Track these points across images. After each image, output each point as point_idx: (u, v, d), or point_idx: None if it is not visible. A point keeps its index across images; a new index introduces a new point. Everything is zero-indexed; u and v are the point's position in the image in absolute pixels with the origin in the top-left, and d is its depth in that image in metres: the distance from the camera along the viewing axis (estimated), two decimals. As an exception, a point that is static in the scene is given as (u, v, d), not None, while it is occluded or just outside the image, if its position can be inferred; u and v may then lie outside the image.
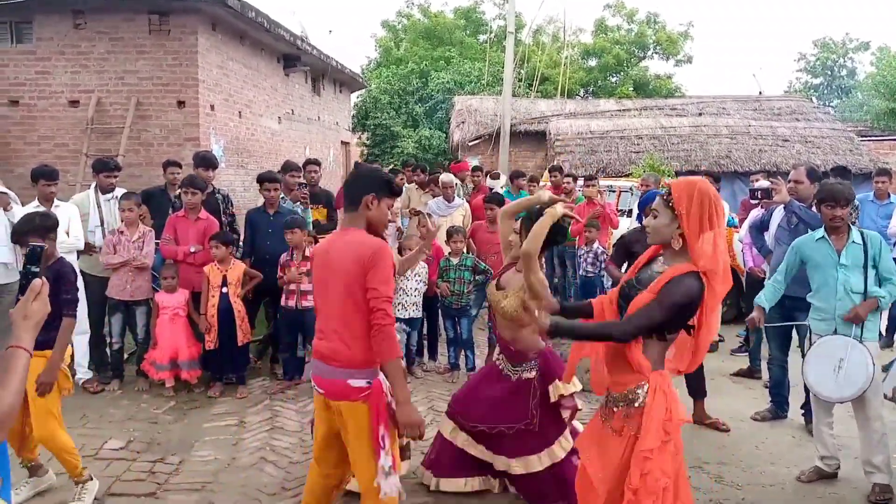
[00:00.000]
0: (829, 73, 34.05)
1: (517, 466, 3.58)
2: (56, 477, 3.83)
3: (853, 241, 3.95)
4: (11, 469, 2.75)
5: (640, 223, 5.06)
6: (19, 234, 3.55)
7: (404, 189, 8.47)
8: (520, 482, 3.66)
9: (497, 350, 3.84)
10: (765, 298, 4.35)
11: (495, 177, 10.21)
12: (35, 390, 3.38)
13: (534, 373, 3.61)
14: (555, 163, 12.20)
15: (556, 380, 3.54)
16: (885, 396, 4.09)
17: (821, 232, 4.07)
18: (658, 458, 2.39)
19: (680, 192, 2.48)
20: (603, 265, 6.51)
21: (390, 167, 7.97)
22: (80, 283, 5.39)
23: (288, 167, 6.62)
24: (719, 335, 7.11)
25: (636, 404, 2.48)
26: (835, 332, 3.93)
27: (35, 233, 3.45)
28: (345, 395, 2.66)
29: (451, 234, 5.90)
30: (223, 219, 6.00)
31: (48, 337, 3.52)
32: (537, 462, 3.53)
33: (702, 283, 2.42)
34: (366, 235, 2.75)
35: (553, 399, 3.54)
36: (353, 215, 2.77)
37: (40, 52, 8.64)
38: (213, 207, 5.92)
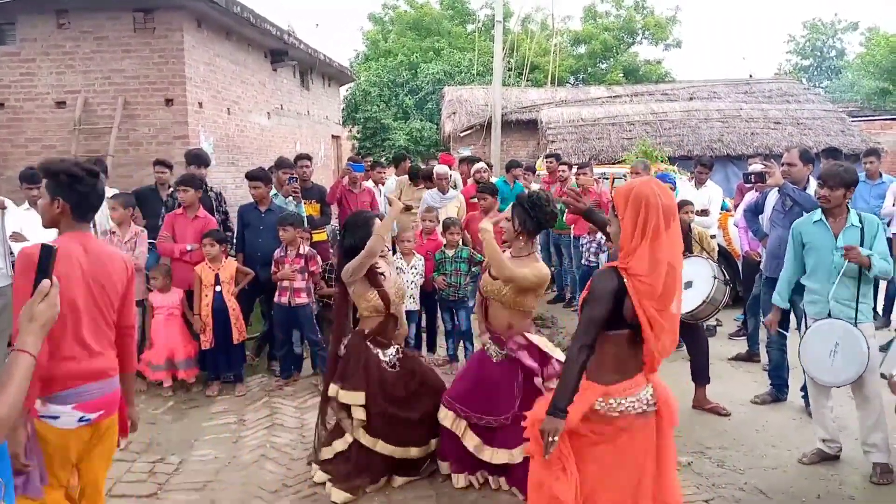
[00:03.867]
0: (819, 54, 34.07)
1: (502, 456, 3.60)
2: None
3: (851, 225, 3.89)
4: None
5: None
6: None
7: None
8: (514, 472, 3.63)
9: (486, 337, 3.84)
10: (780, 297, 4.28)
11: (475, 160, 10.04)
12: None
13: (522, 352, 3.63)
14: (546, 152, 12.19)
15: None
16: (882, 376, 4.07)
17: (818, 214, 4.02)
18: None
19: (618, 196, 2.50)
20: (608, 253, 6.48)
21: (371, 160, 7.89)
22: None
23: (281, 164, 6.59)
24: (717, 320, 7.12)
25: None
26: (828, 316, 3.88)
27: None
28: (116, 404, 2.62)
29: (446, 225, 5.86)
30: (216, 217, 5.96)
31: None
32: (519, 453, 3.50)
33: (620, 279, 2.41)
34: (110, 245, 2.81)
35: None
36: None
37: (24, 54, 8.52)
38: (207, 205, 5.88)
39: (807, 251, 4.07)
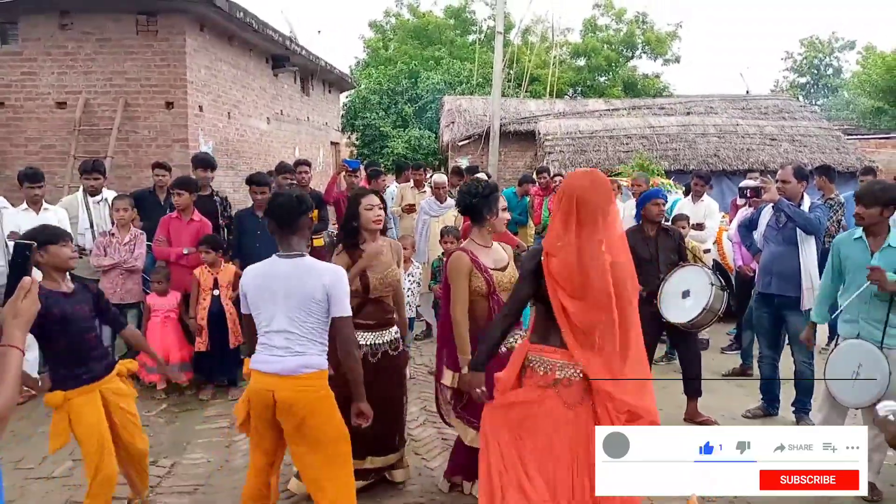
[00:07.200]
0: (816, 71, 34.40)
1: None
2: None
3: (890, 245, 3.77)
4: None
5: (638, 223, 5.10)
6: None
7: (397, 188, 8.48)
8: None
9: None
10: (818, 314, 4.23)
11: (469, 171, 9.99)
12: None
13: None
14: (543, 164, 12.25)
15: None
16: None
17: (859, 231, 3.93)
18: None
19: (560, 185, 2.73)
20: None
21: (371, 168, 7.93)
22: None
23: (282, 169, 6.61)
24: (707, 333, 7.14)
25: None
26: (857, 337, 3.79)
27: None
28: None
29: (443, 233, 5.88)
30: (220, 222, 5.96)
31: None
32: None
33: (538, 259, 2.58)
34: None
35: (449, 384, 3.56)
36: None
37: (26, 53, 8.57)
38: (211, 210, 5.89)
39: (844, 269, 3.98)
